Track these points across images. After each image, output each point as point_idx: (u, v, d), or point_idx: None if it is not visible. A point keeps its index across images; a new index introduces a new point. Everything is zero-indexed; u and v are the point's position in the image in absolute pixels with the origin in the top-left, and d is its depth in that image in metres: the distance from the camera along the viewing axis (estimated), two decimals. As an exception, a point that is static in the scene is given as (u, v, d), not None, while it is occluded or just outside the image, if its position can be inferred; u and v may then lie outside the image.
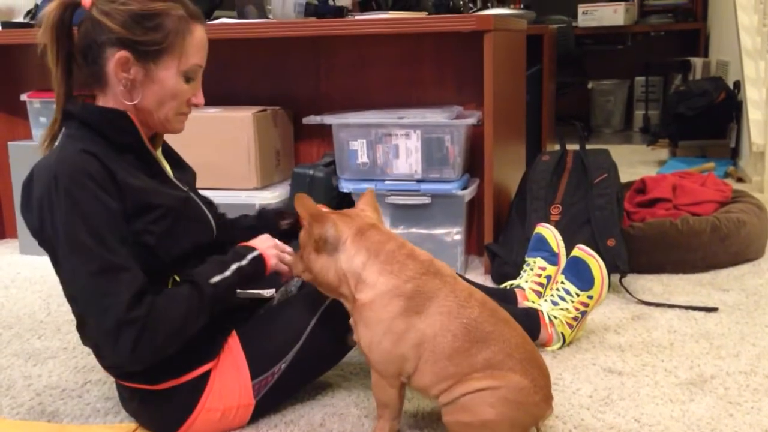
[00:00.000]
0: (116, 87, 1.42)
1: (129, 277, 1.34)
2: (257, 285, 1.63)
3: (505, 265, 2.39)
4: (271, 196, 2.57)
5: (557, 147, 2.72)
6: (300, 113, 2.73)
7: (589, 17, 5.87)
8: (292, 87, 2.84)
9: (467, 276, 2.25)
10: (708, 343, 1.93)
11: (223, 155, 2.57)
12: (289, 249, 1.60)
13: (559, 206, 2.47)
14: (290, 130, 2.83)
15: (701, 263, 2.49)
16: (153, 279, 1.40)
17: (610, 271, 1.95)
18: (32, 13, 3.00)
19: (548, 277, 2.05)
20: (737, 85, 4.28)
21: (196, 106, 1.51)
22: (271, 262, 1.56)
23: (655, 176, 2.92)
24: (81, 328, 1.51)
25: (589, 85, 6.23)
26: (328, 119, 2.54)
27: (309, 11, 2.70)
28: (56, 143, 1.45)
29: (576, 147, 2.65)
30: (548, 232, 2.11)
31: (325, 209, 1.51)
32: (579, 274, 1.90)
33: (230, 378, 1.52)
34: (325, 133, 2.73)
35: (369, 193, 1.55)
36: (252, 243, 1.58)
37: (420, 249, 1.46)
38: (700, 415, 1.56)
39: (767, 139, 3.68)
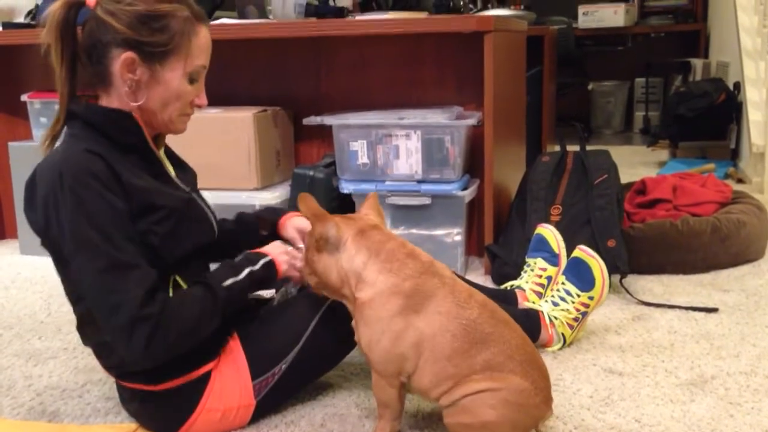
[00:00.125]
0: (121, 87, 1.42)
1: (140, 274, 1.35)
2: None
3: (505, 265, 2.39)
4: (272, 197, 2.57)
5: (557, 148, 2.72)
6: (300, 114, 2.74)
7: (590, 18, 5.87)
8: (293, 87, 2.84)
9: (467, 277, 2.26)
10: (708, 343, 1.93)
11: (224, 156, 2.57)
12: (300, 255, 1.61)
13: (560, 207, 2.47)
14: (290, 131, 2.83)
15: (701, 264, 2.49)
16: None
17: (610, 272, 1.95)
18: (33, 13, 3.00)
19: (549, 278, 2.05)
20: (737, 86, 4.28)
21: (199, 107, 1.51)
22: (282, 267, 1.58)
23: (656, 177, 2.92)
24: (82, 328, 1.51)
25: (590, 86, 6.23)
26: (328, 120, 2.54)
27: (309, 12, 2.71)
28: (58, 143, 1.45)
29: (576, 148, 2.65)
30: (549, 232, 2.11)
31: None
32: (580, 275, 1.90)
33: (231, 378, 1.52)
34: (325, 133, 2.73)
35: (372, 196, 1.56)
36: (263, 249, 1.60)
37: (421, 250, 1.46)
38: (700, 415, 1.56)
39: (767, 140, 3.68)
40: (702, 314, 2.13)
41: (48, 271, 2.69)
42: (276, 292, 1.71)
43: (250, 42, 2.79)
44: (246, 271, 1.51)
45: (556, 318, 1.89)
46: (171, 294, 1.43)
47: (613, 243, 2.33)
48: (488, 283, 2.45)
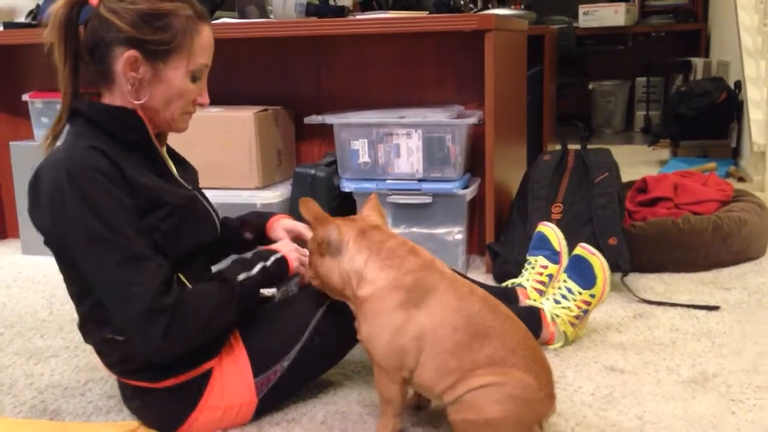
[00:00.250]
0: (124, 86, 1.42)
1: (153, 266, 1.35)
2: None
3: (506, 264, 2.39)
4: (273, 196, 2.57)
5: (558, 147, 2.72)
6: (301, 113, 2.74)
7: (590, 18, 5.87)
8: (294, 87, 2.85)
9: (469, 275, 2.25)
10: (710, 341, 1.93)
11: (225, 155, 2.57)
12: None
13: (561, 205, 2.47)
14: (291, 130, 2.83)
15: (703, 262, 2.49)
16: None
17: (611, 270, 1.95)
18: (33, 13, 3.00)
19: (550, 276, 2.05)
20: (738, 85, 4.28)
21: (202, 105, 1.52)
22: (293, 264, 1.60)
23: (657, 175, 2.92)
24: (83, 326, 1.52)
25: (590, 86, 6.23)
26: (329, 119, 2.54)
27: (310, 11, 2.71)
28: (60, 142, 1.45)
29: (577, 147, 2.65)
30: (550, 230, 2.11)
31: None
32: (581, 273, 1.90)
33: (232, 376, 1.52)
34: (326, 132, 2.73)
35: (373, 197, 1.57)
36: (273, 247, 1.63)
37: (422, 248, 1.47)
38: (702, 412, 1.56)
39: (768, 138, 3.69)
40: (703, 312, 2.13)
41: (50, 271, 2.69)
42: (277, 291, 1.71)
43: (251, 41, 2.79)
44: (258, 266, 1.53)
45: (557, 316, 1.89)
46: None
47: (614, 241, 2.33)
48: (489, 281, 2.45)
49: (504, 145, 2.71)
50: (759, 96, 4.00)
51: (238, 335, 1.55)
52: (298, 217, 1.60)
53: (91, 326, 1.49)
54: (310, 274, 1.53)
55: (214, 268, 1.62)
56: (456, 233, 2.53)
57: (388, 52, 2.74)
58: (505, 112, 2.70)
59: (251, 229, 1.77)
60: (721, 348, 1.89)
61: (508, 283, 2.14)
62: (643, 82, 6.03)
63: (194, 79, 1.47)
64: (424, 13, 2.64)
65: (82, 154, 1.36)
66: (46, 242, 1.44)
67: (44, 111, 2.90)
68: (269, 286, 1.60)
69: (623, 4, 5.80)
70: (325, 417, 1.60)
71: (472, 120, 2.46)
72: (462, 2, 2.92)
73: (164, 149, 1.57)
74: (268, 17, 2.83)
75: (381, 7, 3.20)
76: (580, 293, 1.89)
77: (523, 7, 5.30)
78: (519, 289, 2.03)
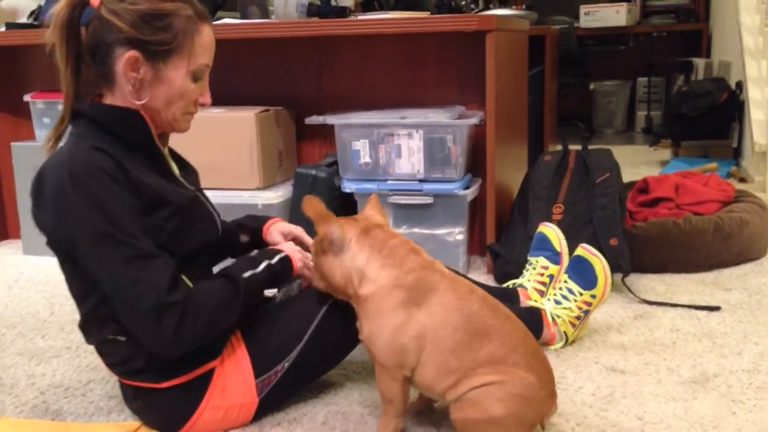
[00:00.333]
0: (125, 86, 1.43)
1: (161, 263, 1.36)
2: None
3: (507, 264, 2.39)
4: (274, 196, 2.58)
5: (559, 147, 2.72)
6: (302, 113, 2.74)
7: (591, 18, 5.87)
8: (295, 87, 2.85)
9: (469, 276, 2.25)
10: (711, 341, 1.93)
11: (226, 155, 2.57)
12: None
13: (562, 206, 2.47)
14: (293, 131, 2.83)
15: (704, 263, 2.49)
16: None
17: (612, 271, 1.95)
18: (35, 13, 3.01)
19: (551, 276, 2.05)
20: (739, 85, 4.28)
21: (203, 105, 1.52)
22: (297, 265, 1.61)
23: (658, 176, 2.92)
24: (85, 326, 1.52)
25: (591, 86, 6.23)
26: (330, 119, 2.55)
27: (311, 11, 2.71)
28: (62, 143, 1.45)
29: (578, 147, 2.65)
30: (551, 231, 2.11)
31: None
32: (582, 274, 1.90)
33: (234, 376, 1.52)
34: (327, 133, 2.73)
35: (373, 198, 1.57)
36: (278, 247, 1.64)
37: (423, 250, 1.47)
38: (702, 413, 1.56)
39: (770, 139, 3.68)
40: (704, 313, 2.13)
41: (51, 271, 2.70)
42: (278, 291, 1.71)
43: (252, 42, 2.79)
44: (264, 264, 1.54)
45: (558, 316, 1.89)
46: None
47: (615, 242, 2.33)
48: (490, 281, 2.45)
49: (505, 145, 2.71)
50: (760, 96, 4.00)
51: (240, 336, 1.56)
52: (300, 217, 1.61)
53: (93, 326, 1.49)
54: (316, 276, 1.53)
55: (214, 270, 1.62)
56: (457, 234, 2.53)
57: (390, 52, 2.74)
58: (506, 112, 2.70)
59: (247, 232, 1.77)
60: (721, 348, 1.89)
61: (509, 283, 2.14)
62: (645, 82, 6.03)
63: (195, 79, 1.47)
64: (425, 14, 2.64)
65: (85, 155, 1.36)
66: (49, 243, 1.44)
67: (46, 111, 2.91)
68: (273, 285, 1.61)
69: (624, 4, 5.80)
70: (326, 417, 1.60)
71: (473, 120, 2.47)
72: (463, 3, 2.92)
73: (166, 150, 1.57)
74: (270, 18, 2.84)
75: (382, 8, 3.21)
76: (581, 294, 1.89)
77: (524, 7, 5.30)
78: (520, 290, 2.03)
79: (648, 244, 2.46)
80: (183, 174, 1.58)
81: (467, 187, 2.50)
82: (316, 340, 1.57)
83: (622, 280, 2.29)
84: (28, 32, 2.85)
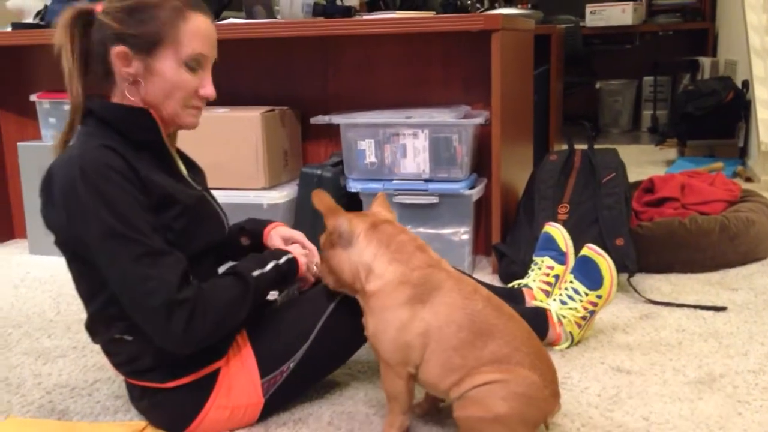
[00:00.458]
0: (122, 83, 1.44)
1: (171, 260, 1.36)
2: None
3: (512, 264, 2.39)
4: (279, 196, 2.58)
5: (564, 147, 2.72)
6: (308, 113, 2.74)
7: (597, 17, 5.86)
8: (300, 87, 2.85)
9: (475, 275, 2.26)
10: (717, 342, 1.93)
11: (231, 155, 2.58)
12: (317, 259, 1.66)
13: (567, 205, 2.47)
14: (298, 130, 2.84)
15: (710, 262, 2.48)
16: None
17: (618, 271, 1.94)
18: (41, 14, 3.01)
19: (556, 276, 2.05)
20: (746, 84, 4.27)
21: (206, 97, 1.50)
22: (303, 267, 1.62)
23: (664, 175, 2.91)
24: (92, 326, 1.52)
25: (597, 85, 6.22)
26: (335, 119, 2.55)
27: (317, 11, 2.71)
28: (71, 142, 1.45)
29: (584, 147, 2.64)
30: (556, 231, 2.10)
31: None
32: (588, 274, 1.90)
33: (239, 376, 1.52)
34: (332, 132, 2.73)
35: (381, 196, 1.58)
36: (284, 248, 1.65)
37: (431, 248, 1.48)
38: (708, 413, 1.56)
39: (776, 138, 3.67)
40: (710, 313, 2.12)
41: (57, 271, 2.70)
42: (279, 294, 1.72)
43: (257, 42, 2.80)
44: (271, 263, 1.55)
45: (564, 317, 1.89)
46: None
47: (621, 241, 2.33)
48: (496, 281, 2.45)
49: (510, 145, 2.70)
50: (767, 95, 3.98)
51: (246, 335, 1.56)
52: (305, 217, 1.61)
53: (100, 326, 1.50)
54: (325, 270, 1.53)
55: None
56: (462, 233, 2.53)
57: (395, 52, 2.74)
58: (512, 111, 2.70)
59: (248, 235, 1.77)
60: (727, 349, 1.88)
61: (515, 283, 2.14)
62: (651, 81, 6.02)
63: (191, 69, 1.45)
64: (430, 14, 2.64)
65: (95, 153, 1.36)
66: (57, 241, 1.44)
67: (52, 111, 2.91)
68: (280, 285, 1.61)
69: (630, 3, 5.79)
70: (332, 417, 1.61)
71: (479, 120, 2.46)
72: (469, 2, 2.92)
73: (174, 150, 1.58)
74: (275, 17, 2.84)
75: (388, 8, 3.21)
76: (587, 294, 1.89)
77: (529, 6, 5.29)
78: (525, 290, 2.03)
79: (654, 244, 2.46)
80: (191, 174, 1.58)
81: (473, 187, 2.50)
82: (322, 340, 1.57)
83: (628, 280, 2.29)
84: (34, 32, 2.86)
